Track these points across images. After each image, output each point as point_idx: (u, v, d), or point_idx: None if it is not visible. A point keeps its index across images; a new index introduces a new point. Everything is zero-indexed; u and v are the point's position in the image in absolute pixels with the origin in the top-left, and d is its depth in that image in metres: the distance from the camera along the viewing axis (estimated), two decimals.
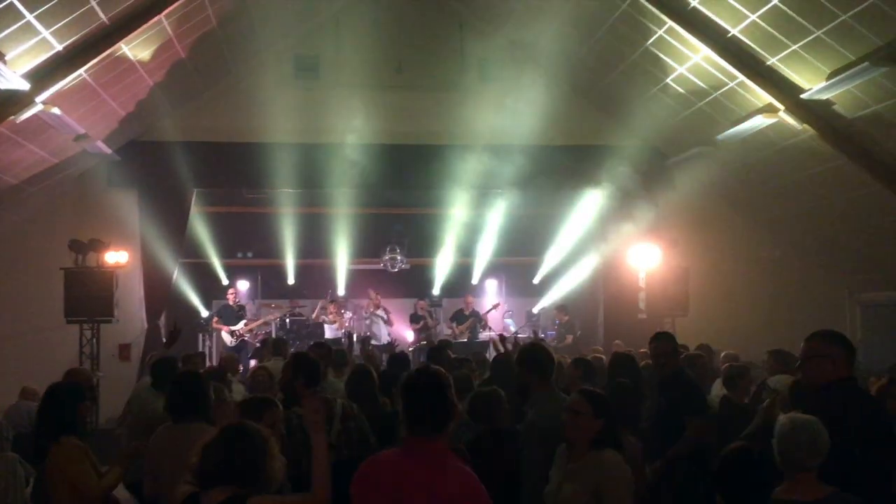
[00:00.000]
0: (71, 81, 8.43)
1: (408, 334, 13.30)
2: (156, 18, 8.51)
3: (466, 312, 13.04)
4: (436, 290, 14.17)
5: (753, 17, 7.97)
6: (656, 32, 9.32)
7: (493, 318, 13.27)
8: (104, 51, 8.33)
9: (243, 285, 13.69)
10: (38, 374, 8.21)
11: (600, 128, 12.09)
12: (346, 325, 12.72)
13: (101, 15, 7.85)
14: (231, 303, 12.47)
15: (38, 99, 8.10)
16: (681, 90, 10.16)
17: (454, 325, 12.92)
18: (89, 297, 10.24)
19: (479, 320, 12.91)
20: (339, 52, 11.52)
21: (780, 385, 5.22)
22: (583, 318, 12.98)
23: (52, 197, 11.30)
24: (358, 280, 13.80)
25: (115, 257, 10.61)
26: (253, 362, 10.19)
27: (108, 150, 10.77)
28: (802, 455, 2.91)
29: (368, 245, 13.59)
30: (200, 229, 12.85)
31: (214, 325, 12.33)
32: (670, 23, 8.87)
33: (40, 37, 7.50)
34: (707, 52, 8.89)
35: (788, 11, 7.57)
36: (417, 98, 11.75)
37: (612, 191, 11.74)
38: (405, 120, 11.60)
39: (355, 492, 2.79)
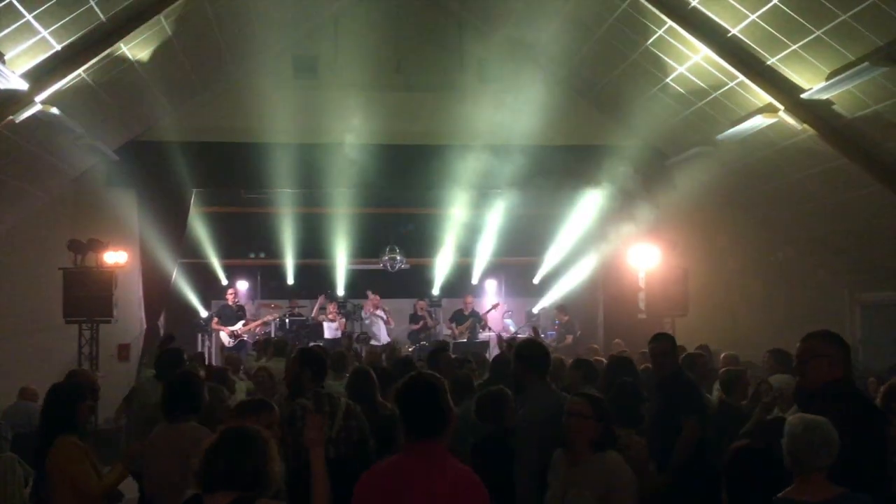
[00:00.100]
0: (70, 81, 8.43)
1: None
2: (154, 18, 8.51)
3: (466, 312, 13.04)
4: (435, 290, 14.16)
5: (753, 16, 7.96)
6: (656, 32, 9.30)
7: (493, 319, 13.26)
8: (103, 51, 8.34)
9: (242, 285, 13.69)
10: (38, 374, 8.24)
11: (600, 128, 12.07)
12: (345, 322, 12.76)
13: (101, 15, 7.84)
14: (230, 303, 12.47)
15: (38, 99, 8.10)
16: (681, 90, 10.14)
17: (454, 325, 12.92)
18: (88, 297, 10.22)
19: (478, 320, 12.91)
20: (338, 53, 11.52)
21: (783, 385, 5.22)
22: (582, 319, 12.96)
23: (51, 197, 11.28)
24: (358, 280, 13.79)
25: (114, 257, 10.59)
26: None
27: (107, 150, 10.77)
28: (814, 456, 2.90)
29: (368, 245, 13.58)
30: (199, 229, 12.83)
31: (214, 326, 12.33)
32: (670, 23, 8.85)
33: (39, 36, 7.49)
34: (707, 51, 8.87)
35: (788, 11, 7.55)
36: (416, 98, 11.73)
37: (611, 191, 11.69)
38: (404, 120, 11.57)
39: (357, 499, 2.79)
